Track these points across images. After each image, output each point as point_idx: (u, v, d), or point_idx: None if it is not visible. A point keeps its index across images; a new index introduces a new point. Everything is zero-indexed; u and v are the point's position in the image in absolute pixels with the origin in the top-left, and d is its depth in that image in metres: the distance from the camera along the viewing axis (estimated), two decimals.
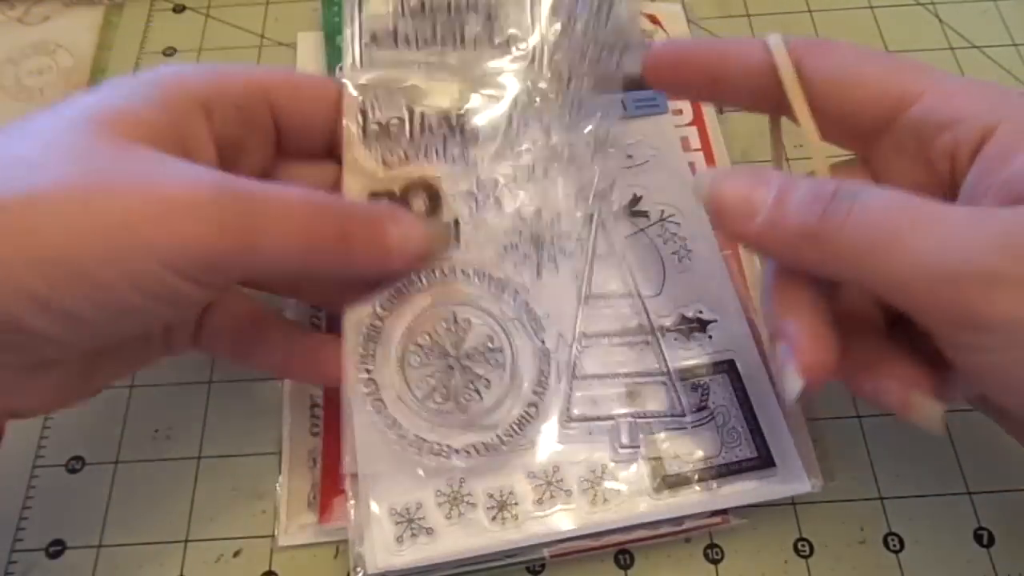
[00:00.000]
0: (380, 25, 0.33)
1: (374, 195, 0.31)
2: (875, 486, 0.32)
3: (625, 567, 0.30)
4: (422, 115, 0.32)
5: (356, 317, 0.30)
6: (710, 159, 0.38)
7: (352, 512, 0.29)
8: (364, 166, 0.31)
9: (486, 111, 0.32)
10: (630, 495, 0.29)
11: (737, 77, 0.28)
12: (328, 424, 0.32)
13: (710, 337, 0.31)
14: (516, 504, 0.28)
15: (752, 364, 0.31)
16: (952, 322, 0.22)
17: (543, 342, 0.30)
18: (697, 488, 0.29)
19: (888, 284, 0.22)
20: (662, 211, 0.34)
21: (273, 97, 0.29)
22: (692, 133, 0.38)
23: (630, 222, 0.34)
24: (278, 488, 0.31)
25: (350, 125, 0.31)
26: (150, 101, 0.26)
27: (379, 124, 0.31)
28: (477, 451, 0.28)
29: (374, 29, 0.33)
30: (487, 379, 0.29)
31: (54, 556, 0.31)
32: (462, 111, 0.32)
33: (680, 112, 0.39)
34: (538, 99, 0.33)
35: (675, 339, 0.31)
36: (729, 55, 0.28)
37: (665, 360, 0.30)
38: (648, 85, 0.30)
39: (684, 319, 0.31)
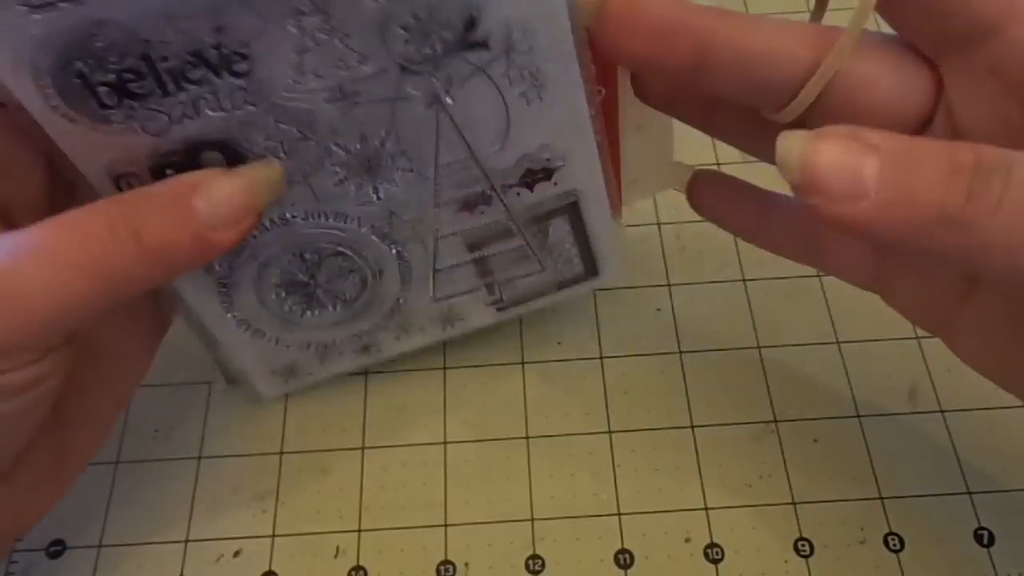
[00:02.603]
0: None
1: (152, 172, 0.23)
2: (875, 486, 0.32)
3: (625, 567, 0.30)
4: (164, 59, 0.21)
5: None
6: None
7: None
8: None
9: (259, 41, 0.22)
10: (474, 318, 0.33)
11: None
12: None
13: (555, 184, 0.29)
14: (379, 341, 0.32)
15: (594, 192, 0.30)
16: None
17: (399, 250, 0.29)
18: (533, 302, 0.33)
19: None
20: (508, 33, 0.23)
21: None
22: None
23: (463, 60, 0.24)
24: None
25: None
26: None
27: (110, 85, 0.21)
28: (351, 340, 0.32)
29: None
30: (350, 293, 0.30)
31: (54, 556, 0.31)
32: (220, 43, 0.22)
33: None
34: (334, 20, 0.22)
35: (518, 194, 0.29)
36: None
37: (522, 232, 0.30)
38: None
39: (529, 172, 0.28)
